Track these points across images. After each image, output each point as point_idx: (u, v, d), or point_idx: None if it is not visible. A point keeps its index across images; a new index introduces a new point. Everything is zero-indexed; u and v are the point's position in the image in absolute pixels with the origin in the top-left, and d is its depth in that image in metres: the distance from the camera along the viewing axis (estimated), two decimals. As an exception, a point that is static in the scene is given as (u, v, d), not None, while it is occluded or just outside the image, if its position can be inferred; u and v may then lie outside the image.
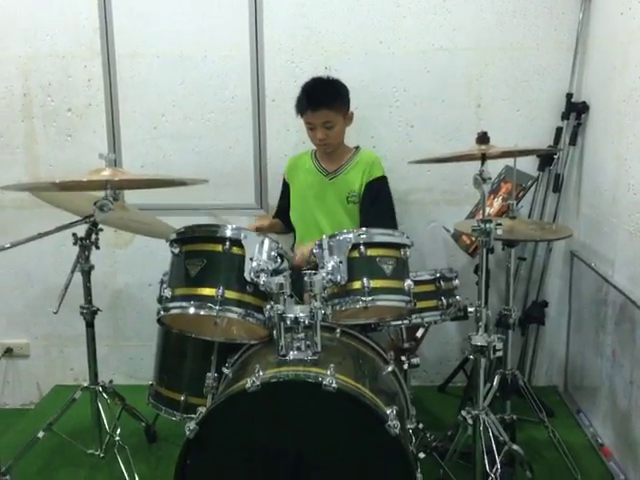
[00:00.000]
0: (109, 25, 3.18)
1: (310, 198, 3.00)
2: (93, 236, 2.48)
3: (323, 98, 2.82)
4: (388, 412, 1.86)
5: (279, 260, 2.20)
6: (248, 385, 1.84)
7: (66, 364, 3.53)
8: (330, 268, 2.13)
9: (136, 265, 3.41)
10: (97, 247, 2.52)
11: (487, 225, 2.12)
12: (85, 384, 2.66)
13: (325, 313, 2.06)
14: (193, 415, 1.94)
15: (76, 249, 2.46)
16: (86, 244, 2.47)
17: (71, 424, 2.75)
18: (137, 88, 3.25)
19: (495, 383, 2.61)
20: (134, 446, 2.75)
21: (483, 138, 2.16)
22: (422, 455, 2.29)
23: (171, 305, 2.16)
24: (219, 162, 3.31)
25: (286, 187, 3.13)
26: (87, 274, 2.56)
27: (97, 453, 2.65)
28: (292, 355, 2.02)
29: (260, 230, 2.94)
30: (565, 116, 3.16)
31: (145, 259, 3.36)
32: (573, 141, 3.15)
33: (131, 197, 3.22)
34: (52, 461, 2.77)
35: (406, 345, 2.54)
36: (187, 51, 3.20)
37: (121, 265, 3.43)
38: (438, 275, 2.50)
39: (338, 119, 2.85)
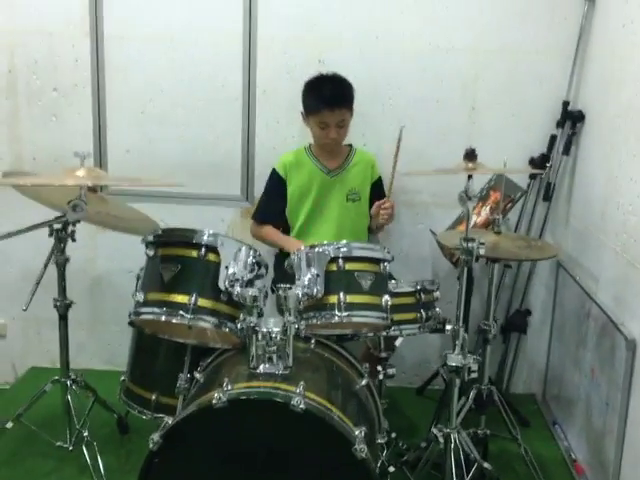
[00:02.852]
0: (99, 5, 3.08)
1: (312, 196, 2.95)
2: (70, 228, 2.43)
3: (340, 97, 2.80)
4: (356, 433, 1.84)
5: (256, 268, 2.15)
6: (214, 401, 1.81)
7: (43, 346, 3.46)
8: (307, 281, 2.09)
9: (117, 251, 3.35)
10: (73, 240, 2.47)
11: (469, 244, 2.07)
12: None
13: (298, 328, 2.01)
14: (163, 415, 1.92)
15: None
16: (62, 236, 2.43)
17: (42, 413, 2.72)
18: (125, 71, 3.17)
19: (470, 398, 2.59)
20: (105, 438, 2.73)
21: (471, 155, 2.10)
22: (392, 469, 2.26)
23: (143, 310, 2.12)
24: (206, 151, 3.24)
25: (281, 186, 2.98)
26: (62, 267, 2.50)
27: (66, 446, 2.60)
28: (263, 368, 1.98)
29: None
30: (560, 124, 3.09)
31: (126, 245, 3.26)
32: (567, 150, 3.08)
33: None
34: (20, 451, 2.73)
35: (383, 355, 2.51)
36: (178, 36, 3.11)
37: (102, 250, 3.38)
38: (419, 287, 2.42)
39: (349, 117, 2.86)
